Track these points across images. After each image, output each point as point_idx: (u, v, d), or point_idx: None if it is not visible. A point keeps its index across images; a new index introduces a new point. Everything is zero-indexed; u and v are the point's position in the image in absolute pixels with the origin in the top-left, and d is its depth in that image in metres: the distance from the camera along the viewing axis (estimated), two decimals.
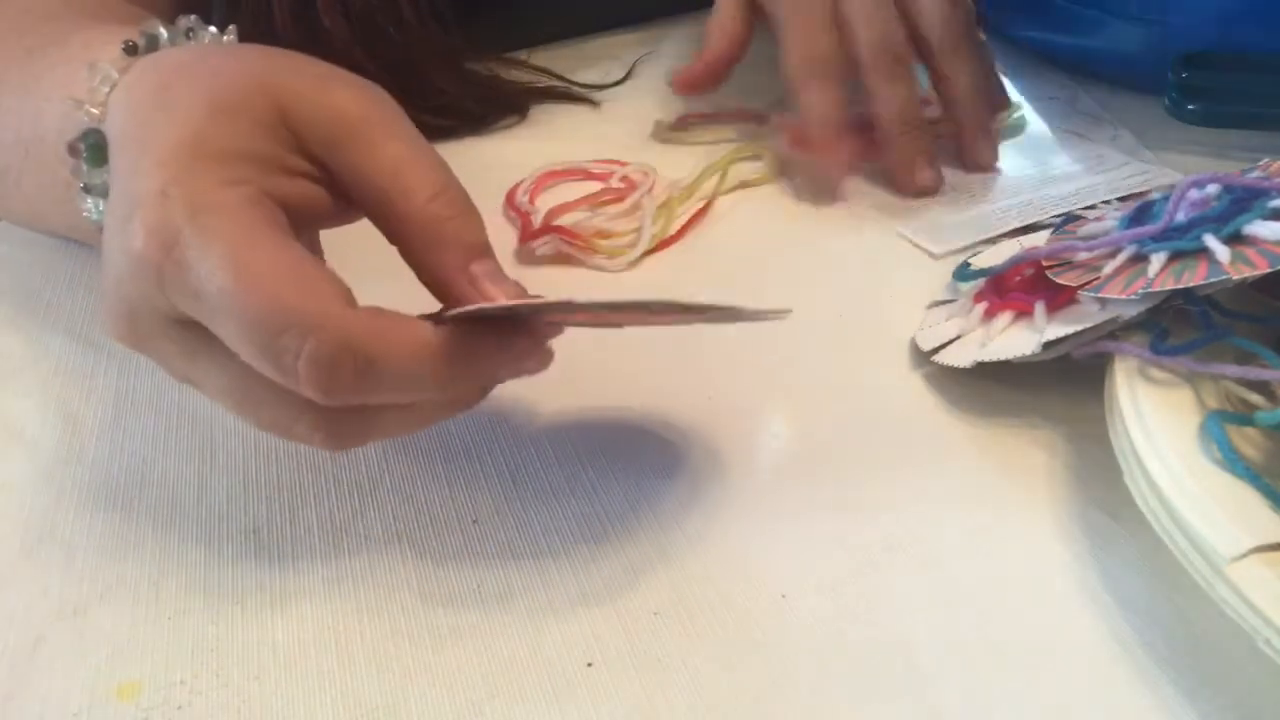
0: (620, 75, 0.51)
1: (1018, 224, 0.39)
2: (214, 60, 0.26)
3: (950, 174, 0.42)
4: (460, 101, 0.47)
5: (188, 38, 0.29)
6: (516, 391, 0.30)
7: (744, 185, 0.43)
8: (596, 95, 0.51)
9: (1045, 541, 0.25)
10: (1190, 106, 0.43)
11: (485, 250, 0.25)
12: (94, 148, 0.26)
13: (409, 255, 0.25)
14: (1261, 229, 0.26)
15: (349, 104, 0.24)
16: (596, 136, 0.47)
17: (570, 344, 0.26)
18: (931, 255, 0.38)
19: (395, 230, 0.25)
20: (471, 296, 0.24)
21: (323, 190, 0.25)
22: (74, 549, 0.26)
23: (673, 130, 0.47)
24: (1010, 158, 0.44)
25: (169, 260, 0.22)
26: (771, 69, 0.42)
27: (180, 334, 0.23)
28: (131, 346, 0.24)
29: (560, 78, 0.51)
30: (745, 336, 0.33)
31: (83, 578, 0.25)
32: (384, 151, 0.24)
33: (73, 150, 0.26)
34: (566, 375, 0.26)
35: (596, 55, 0.53)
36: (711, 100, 0.47)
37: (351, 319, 0.22)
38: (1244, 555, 0.20)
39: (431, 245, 0.24)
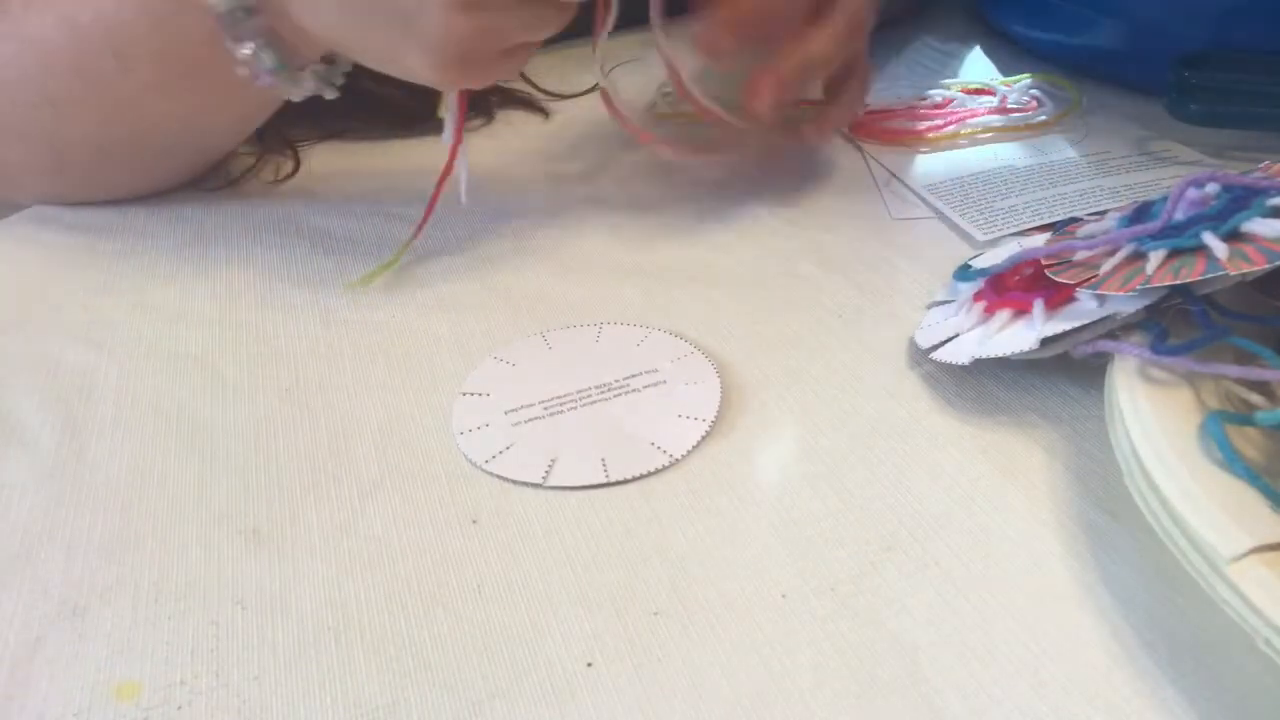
0: (590, 84, 0.52)
1: (1065, 214, 0.38)
2: None
3: (998, 158, 0.42)
4: (428, 100, 0.47)
5: None
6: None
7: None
8: (563, 103, 0.51)
9: (1045, 541, 0.25)
10: (1190, 106, 0.43)
11: None
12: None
13: None
14: (1260, 226, 0.26)
15: None
16: (564, 139, 0.48)
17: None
18: (976, 242, 0.38)
19: None
20: None
21: None
22: (74, 549, 0.26)
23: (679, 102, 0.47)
24: (1062, 147, 0.44)
25: None
26: None
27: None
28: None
29: (530, 83, 0.52)
30: (742, 335, 0.33)
31: (83, 578, 0.25)
32: None
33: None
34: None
35: (556, 64, 0.53)
36: None
37: None
38: (1244, 555, 0.20)
39: None
